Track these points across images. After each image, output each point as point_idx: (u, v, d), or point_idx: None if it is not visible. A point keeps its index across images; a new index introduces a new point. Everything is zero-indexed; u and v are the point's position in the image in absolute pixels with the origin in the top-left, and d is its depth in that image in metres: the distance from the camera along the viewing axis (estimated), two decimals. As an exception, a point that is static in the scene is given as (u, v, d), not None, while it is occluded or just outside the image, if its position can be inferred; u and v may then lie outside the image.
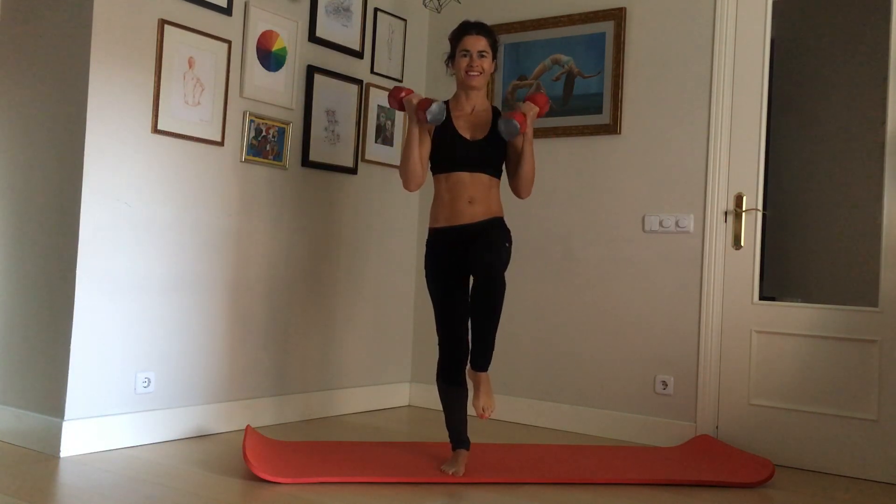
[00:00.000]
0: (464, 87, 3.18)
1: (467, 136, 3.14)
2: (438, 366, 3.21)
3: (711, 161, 3.79)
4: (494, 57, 3.20)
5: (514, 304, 4.11)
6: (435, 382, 3.03)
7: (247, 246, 3.78)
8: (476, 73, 3.13)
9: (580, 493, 2.96)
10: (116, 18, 3.23)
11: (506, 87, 4.41)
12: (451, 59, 3.21)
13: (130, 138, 3.30)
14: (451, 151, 3.14)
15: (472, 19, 3.25)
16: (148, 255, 3.38)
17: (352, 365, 4.32)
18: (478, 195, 3.12)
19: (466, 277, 3.18)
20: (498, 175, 3.20)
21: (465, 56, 3.14)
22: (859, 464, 3.42)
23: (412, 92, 3.17)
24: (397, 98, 3.17)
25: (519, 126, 3.02)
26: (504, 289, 2.99)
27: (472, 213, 3.12)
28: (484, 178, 3.13)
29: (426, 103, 3.06)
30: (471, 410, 3.19)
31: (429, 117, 3.05)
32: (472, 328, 3.09)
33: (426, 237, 3.26)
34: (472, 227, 3.11)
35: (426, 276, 3.21)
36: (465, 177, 3.12)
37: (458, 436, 3.20)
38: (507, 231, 3.18)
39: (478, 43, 3.13)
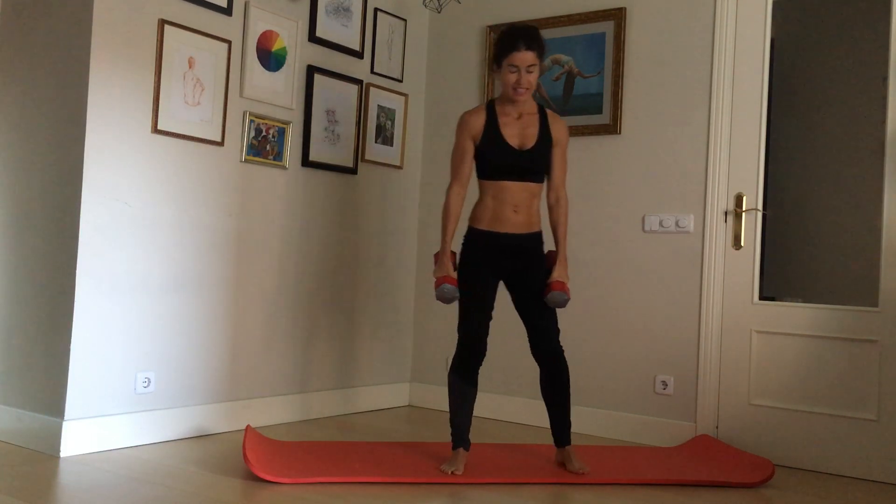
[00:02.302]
0: (509, 99, 3.13)
1: (515, 144, 3.11)
2: (454, 361, 3.21)
3: (711, 161, 3.79)
4: (542, 60, 3.13)
5: (514, 304, 4.11)
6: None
7: (246, 246, 3.78)
8: (523, 90, 3.08)
9: (580, 493, 2.97)
10: (116, 18, 3.23)
11: (506, 87, 4.41)
12: (497, 64, 3.14)
13: (130, 138, 3.30)
14: (499, 161, 3.11)
15: (520, 25, 3.20)
16: (148, 255, 3.38)
17: (352, 365, 4.32)
18: (522, 204, 3.13)
19: (498, 282, 3.20)
20: (542, 180, 3.20)
21: (513, 72, 3.07)
22: (859, 464, 3.42)
23: (445, 280, 3.12)
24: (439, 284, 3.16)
25: (567, 296, 3.12)
26: (567, 368, 3.24)
27: (515, 222, 3.13)
28: (530, 186, 3.14)
29: (440, 281, 3.10)
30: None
31: (437, 294, 3.11)
32: (549, 408, 3.28)
33: (465, 233, 3.24)
34: (513, 238, 3.14)
35: (458, 272, 3.18)
36: (511, 186, 3.12)
37: (461, 435, 3.20)
38: (544, 257, 3.22)
39: (526, 58, 3.04)
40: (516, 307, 3.23)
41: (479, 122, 3.15)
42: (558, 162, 3.21)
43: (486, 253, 3.16)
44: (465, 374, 3.19)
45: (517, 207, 3.12)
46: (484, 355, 3.20)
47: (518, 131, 3.13)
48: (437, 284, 3.12)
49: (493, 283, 3.18)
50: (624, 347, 3.99)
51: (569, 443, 3.27)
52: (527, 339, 3.25)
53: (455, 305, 3.21)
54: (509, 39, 3.08)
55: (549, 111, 3.23)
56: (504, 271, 3.19)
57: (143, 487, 2.75)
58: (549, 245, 3.28)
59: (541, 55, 3.11)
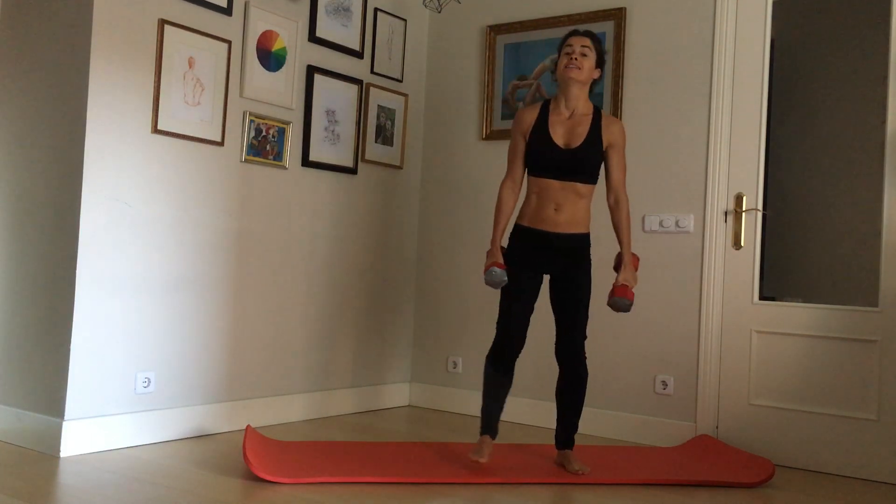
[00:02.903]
0: (564, 85, 3.14)
1: (561, 143, 3.12)
2: (490, 351, 3.25)
3: (711, 161, 3.79)
4: (599, 65, 3.16)
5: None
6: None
7: (246, 246, 3.78)
8: (574, 67, 3.09)
9: (580, 493, 2.97)
10: (116, 18, 3.23)
11: (506, 87, 4.41)
12: (557, 64, 3.20)
13: (130, 138, 3.30)
14: (542, 159, 3.13)
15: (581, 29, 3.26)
16: (148, 255, 3.38)
17: (352, 365, 4.32)
18: (565, 203, 3.13)
19: (540, 279, 3.21)
20: (593, 181, 3.17)
21: (567, 53, 3.12)
22: (859, 464, 3.42)
23: (494, 265, 3.14)
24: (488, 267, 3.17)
25: (630, 301, 3.08)
26: (587, 374, 3.24)
27: (556, 221, 3.13)
28: (576, 186, 3.13)
29: (489, 265, 3.12)
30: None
31: (486, 278, 3.12)
32: (561, 410, 3.28)
33: (511, 230, 3.28)
34: (553, 237, 3.14)
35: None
36: (554, 184, 3.12)
37: (490, 422, 3.23)
38: (589, 261, 3.22)
39: (581, 40, 3.12)
40: (552, 305, 3.23)
41: (530, 118, 3.19)
42: (615, 164, 3.19)
43: (526, 249, 3.17)
44: (499, 364, 3.22)
45: (559, 206, 3.12)
46: (521, 348, 3.23)
47: (566, 130, 3.14)
48: (486, 269, 3.13)
49: (533, 279, 3.18)
50: (624, 347, 3.99)
51: (571, 447, 3.28)
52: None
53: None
54: (568, 33, 3.21)
55: (605, 114, 3.22)
56: (545, 268, 3.19)
57: (143, 487, 2.75)
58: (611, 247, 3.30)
59: (597, 49, 3.15)
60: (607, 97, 4.07)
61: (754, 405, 3.66)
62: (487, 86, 4.45)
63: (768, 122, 3.71)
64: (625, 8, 4.04)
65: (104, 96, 3.20)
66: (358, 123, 4.27)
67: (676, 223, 3.87)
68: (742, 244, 3.72)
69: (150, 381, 3.39)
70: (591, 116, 3.16)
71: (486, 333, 3.27)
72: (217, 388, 3.67)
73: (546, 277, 3.25)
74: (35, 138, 3.33)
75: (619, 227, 3.22)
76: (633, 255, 3.22)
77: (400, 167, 4.54)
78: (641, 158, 3.99)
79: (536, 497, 2.89)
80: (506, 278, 3.11)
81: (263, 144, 3.81)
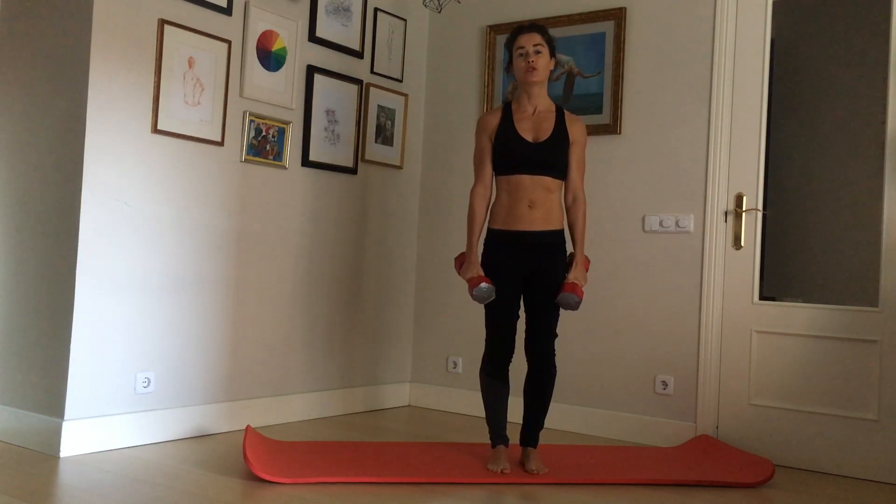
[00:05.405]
0: (525, 86, 3.16)
1: (529, 138, 3.13)
2: (483, 359, 3.26)
3: (711, 161, 3.79)
4: (552, 54, 3.18)
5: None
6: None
7: (246, 246, 3.78)
8: (533, 69, 3.11)
9: (580, 493, 2.97)
10: (116, 18, 3.23)
11: (506, 87, 4.41)
12: (510, 64, 3.20)
13: (130, 138, 3.30)
14: (512, 154, 3.13)
15: (526, 23, 3.26)
16: (148, 255, 3.38)
17: (352, 365, 4.32)
18: (538, 199, 3.12)
19: (520, 281, 3.19)
20: (562, 177, 3.19)
21: (521, 55, 3.13)
22: (859, 464, 3.42)
23: (481, 279, 3.13)
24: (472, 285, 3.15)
25: (579, 299, 3.08)
26: (555, 373, 3.23)
27: (531, 218, 3.12)
28: (546, 180, 3.13)
29: (477, 281, 3.11)
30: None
31: (474, 293, 3.10)
32: (527, 407, 3.26)
33: (485, 236, 3.26)
34: (529, 236, 3.13)
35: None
36: (525, 180, 3.12)
37: (498, 432, 3.23)
38: (564, 259, 3.19)
39: (532, 39, 3.12)
40: (524, 301, 3.23)
41: (494, 120, 3.20)
42: (575, 161, 3.20)
43: (504, 252, 3.16)
44: (493, 371, 3.23)
45: (532, 203, 3.12)
46: (511, 353, 3.22)
47: (532, 126, 3.15)
48: (474, 284, 3.11)
49: (514, 282, 3.17)
50: (624, 347, 3.99)
51: (535, 445, 3.26)
52: (524, 340, 3.25)
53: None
54: (514, 31, 3.21)
55: (567, 111, 3.23)
56: (523, 269, 3.17)
57: (143, 487, 2.75)
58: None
59: (547, 40, 3.15)
60: (607, 97, 4.07)
61: (754, 405, 3.66)
62: (487, 86, 4.45)
63: (768, 122, 3.71)
64: (625, 8, 4.04)
65: (104, 96, 3.21)
66: (358, 123, 4.27)
67: (676, 223, 3.87)
68: (742, 244, 3.72)
69: (149, 381, 3.39)
70: (554, 113, 3.18)
71: (485, 333, 3.26)
72: (217, 388, 3.66)
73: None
74: (35, 138, 3.33)
75: (573, 226, 3.23)
76: (584, 256, 3.23)
77: (400, 167, 4.54)
78: (641, 158, 3.99)
79: (536, 497, 2.89)
80: (494, 294, 3.12)
81: (263, 144, 3.81)
